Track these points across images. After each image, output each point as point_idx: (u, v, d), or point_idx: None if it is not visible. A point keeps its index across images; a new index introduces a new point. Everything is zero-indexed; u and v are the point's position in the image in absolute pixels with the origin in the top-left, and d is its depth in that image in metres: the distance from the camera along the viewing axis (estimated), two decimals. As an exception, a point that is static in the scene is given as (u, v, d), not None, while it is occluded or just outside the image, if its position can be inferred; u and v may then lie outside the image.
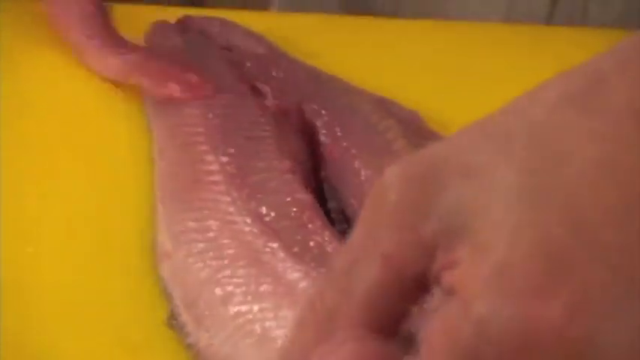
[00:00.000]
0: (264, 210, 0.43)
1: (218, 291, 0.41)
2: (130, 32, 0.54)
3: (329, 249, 0.43)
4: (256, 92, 0.51)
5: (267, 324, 0.40)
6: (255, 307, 0.41)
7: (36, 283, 0.45)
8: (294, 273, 0.41)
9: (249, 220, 0.42)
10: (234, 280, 0.41)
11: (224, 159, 0.45)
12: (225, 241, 0.42)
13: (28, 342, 0.43)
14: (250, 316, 0.40)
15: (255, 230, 0.42)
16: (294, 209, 0.44)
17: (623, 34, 0.58)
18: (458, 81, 0.56)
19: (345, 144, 0.48)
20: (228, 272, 0.41)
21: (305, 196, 0.44)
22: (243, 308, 0.41)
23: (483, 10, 0.66)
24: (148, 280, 0.45)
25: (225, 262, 0.41)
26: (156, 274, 0.45)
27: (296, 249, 0.41)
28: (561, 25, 0.66)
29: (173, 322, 0.42)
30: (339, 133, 0.49)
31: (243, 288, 0.41)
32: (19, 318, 0.43)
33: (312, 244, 0.42)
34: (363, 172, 0.47)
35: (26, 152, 0.52)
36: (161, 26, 0.54)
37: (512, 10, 0.67)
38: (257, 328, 0.41)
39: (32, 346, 0.43)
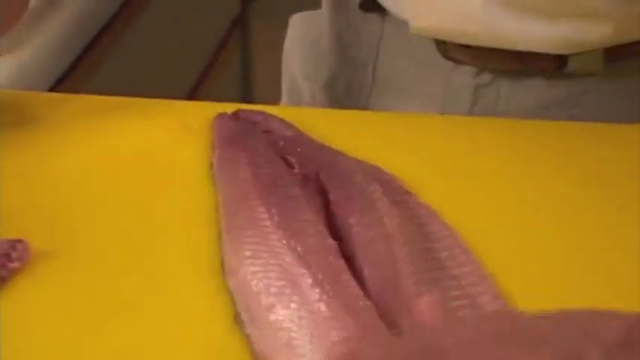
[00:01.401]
0: (300, 247, 0.51)
1: (264, 301, 0.49)
2: (199, 121, 0.63)
3: (343, 277, 0.50)
4: (287, 163, 0.59)
5: (292, 334, 0.47)
6: (287, 319, 0.48)
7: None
8: (314, 295, 0.48)
9: (289, 253, 0.51)
10: (277, 296, 0.49)
11: (272, 210, 0.54)
12: (272, 266, 0.50)
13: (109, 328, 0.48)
14: (283, 325, 0.48)
15: (294, 261, 0.50)
16: (323, 249, 0.51)
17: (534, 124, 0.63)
18: (428, 156, 0.62)
19: (344, 203, 0.55)
20: (272, 290, 0.49)
21: (331, 242, 0.52)
22: (280, 317, 0.48)
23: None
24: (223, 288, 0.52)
25: (271, 281, 0.49)
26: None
27: (320, 276, 0.49)
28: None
29: (237, 318, 0.49)
30: (341, 196, 0.56)
31: (281, 302, 0.49)
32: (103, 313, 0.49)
33: (331, 274, 0.50)
34: (354, 229, 0.54)
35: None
36: (221, 116, 0.64)
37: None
38: (284, 335, 0.48)
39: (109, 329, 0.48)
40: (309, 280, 0.49)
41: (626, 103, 0.67)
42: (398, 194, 0.56)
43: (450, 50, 0.69)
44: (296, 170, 0.58)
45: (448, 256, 0.52)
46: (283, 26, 0.83)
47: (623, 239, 0.54)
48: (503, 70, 0.69)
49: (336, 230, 0.54)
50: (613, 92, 0.68)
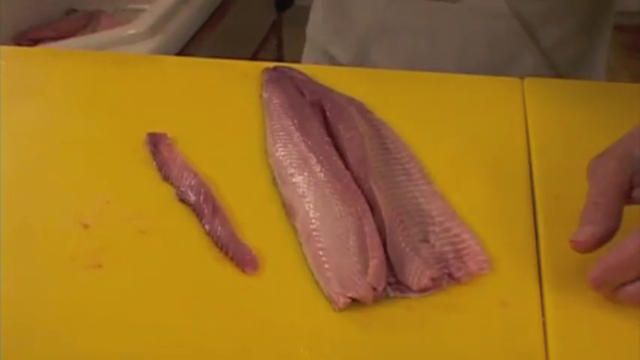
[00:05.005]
0: (310, 141, 0.64)
1: (289, 171, 0.62)
2: (255, 72, 0.75)
3: (333, 158, 0.61)
4: (302, 94, 0.71)
5: (304, 190, 0.57)
6: (301, 182, 0.58)
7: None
8: (317, 168, 0.60)
9: (303, 144, 0.64)
10: (295, 168, 0.61)
11: (294, 120, 0.67)
12: (293, 152, 0.63)
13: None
14: (299, 185, 0.59)
15: (306, 149, 0.63)
16: (323, 142, 0.64)
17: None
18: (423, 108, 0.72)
19: (335, 116, 0.67)
20: (293, 164, 0.62)
21: (327, 138, 0.64)
22: (297, 180, 0.59)
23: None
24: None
25: (293, 159, 0.62)
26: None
27: (321, 157, 0.61)
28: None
29: (274, 182, 0.61)
30: (334, 112, 0.68)
31: (298, 172, 0.60)
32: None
33: (327, 156, 0.61)
34: (341, 131, 0.65)
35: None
36: (267, 69, 0.77)
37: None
38: (299, 190, 0.58)
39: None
40: (314, 160, 0.62)
41: None
42: (366, 112, 0.71)
43: None
44: (307, 98, 0.71)
45: (393, 147, 0.67)
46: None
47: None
48: None
49: (330, 132, 0.67)
50: None
